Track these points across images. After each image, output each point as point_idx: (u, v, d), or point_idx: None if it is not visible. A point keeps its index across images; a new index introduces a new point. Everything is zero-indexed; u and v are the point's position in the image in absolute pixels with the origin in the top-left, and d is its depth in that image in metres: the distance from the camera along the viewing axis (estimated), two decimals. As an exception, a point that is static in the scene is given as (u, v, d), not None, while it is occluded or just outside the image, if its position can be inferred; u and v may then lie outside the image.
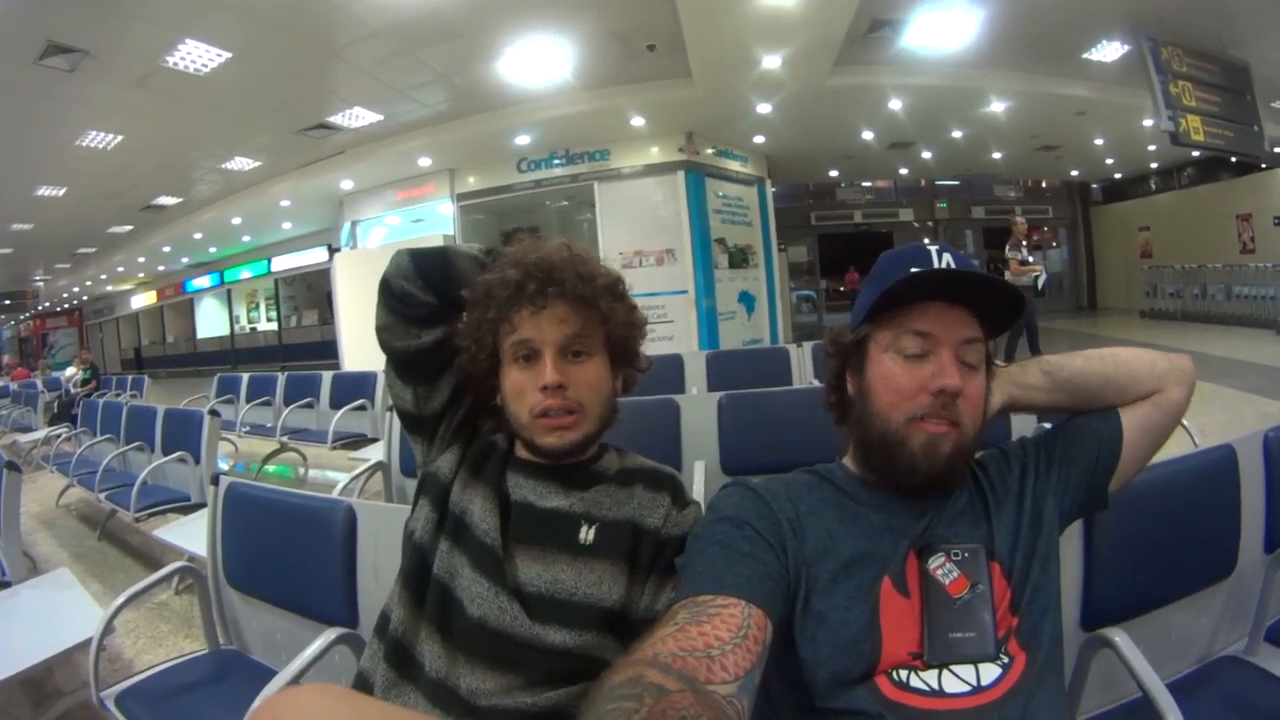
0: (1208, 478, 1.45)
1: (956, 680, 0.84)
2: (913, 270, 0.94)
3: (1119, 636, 1.17)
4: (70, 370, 10.32)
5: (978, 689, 0.84)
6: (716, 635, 0.71)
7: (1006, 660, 0.86)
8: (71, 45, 5.48)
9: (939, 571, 0.90)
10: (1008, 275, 7.56)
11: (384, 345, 1.11)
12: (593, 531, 1.02)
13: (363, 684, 1.04)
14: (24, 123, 6.90)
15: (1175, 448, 1.37)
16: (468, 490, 1.06)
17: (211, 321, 20.99)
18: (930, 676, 0.85)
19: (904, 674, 0.85)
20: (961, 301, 0.94)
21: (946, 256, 0.97)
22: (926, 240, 15.96)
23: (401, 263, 1.09)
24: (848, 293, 16.30)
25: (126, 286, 22.08)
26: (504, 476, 1.08)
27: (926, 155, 12.53)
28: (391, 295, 1.09)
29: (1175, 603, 1.40)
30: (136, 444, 4.37)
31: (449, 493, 1.07)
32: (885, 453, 0.95)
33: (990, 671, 0.85)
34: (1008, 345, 7.38)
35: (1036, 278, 7.66)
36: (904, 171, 14.94)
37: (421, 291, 1.07)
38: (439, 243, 9.75)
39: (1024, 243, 7.89)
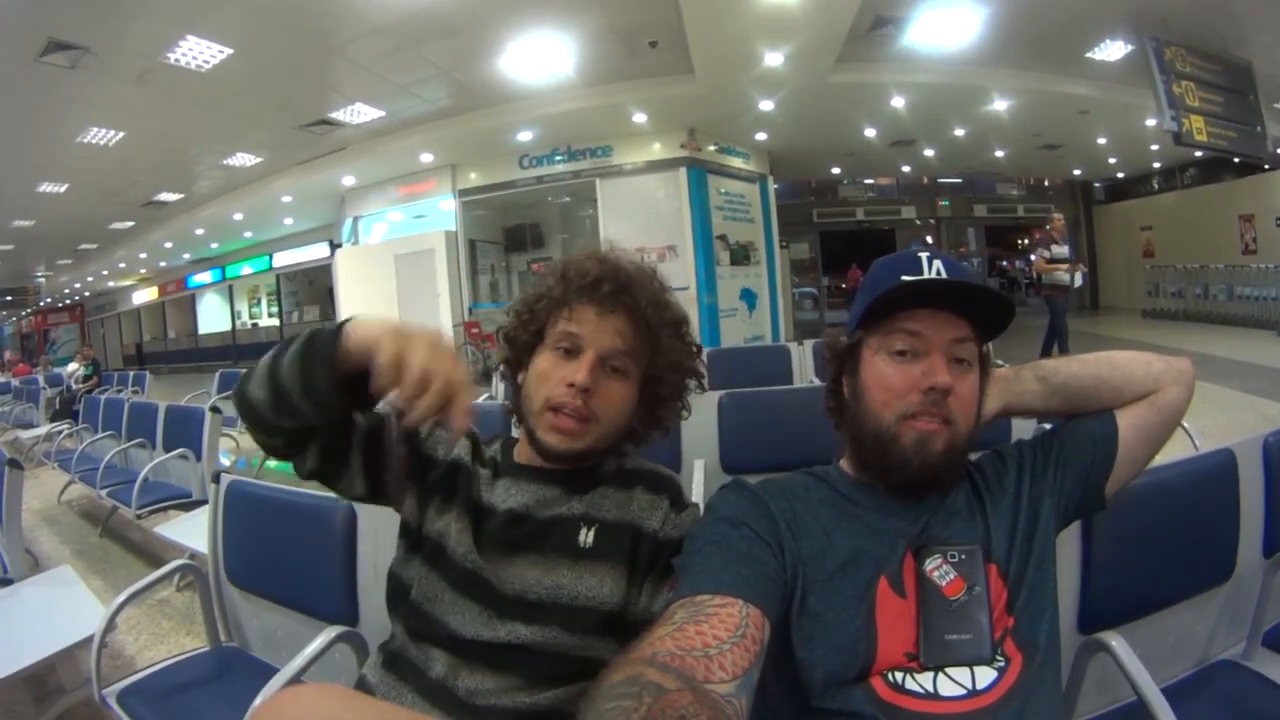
0: (1207, 481, 1.45)
1: (952, 684, 0.85)
2: (903, 279, 0.96)
3: (1115, 640, 1.16)
4: (72, 366, 10.31)
5: (973, 693, 0.84)
6: (714, 634, 0.71)
7: (1002, 663, 0.87)
8: (72, 42, 5.49)
9: (935, 573, 0.90)
10: (1044, 280, 7.58)
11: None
12: (592, 534, 1.02)
13: (362, 689, 1.04)
14: (25, 120, 6.92)
15: (1175, 450, 1.38)
16: (443, 515, 1.04)
17: (213, 317, 21.03)
18: (925, 679, 0.85)
19: (899, 676, 0.86)
20: (951, 308, 0.96)
21: (937, 264, 0.98)
22: (929, 238, 15.96)
23: (244, 409, 0.91)
24: (850, 290, 16.31)
25: (128, 282, 22.11)
26: (474, 489, 1.06)
27: (929, 153, 12.52)
28: (276, 449, 0.96)
29: (1173, 606, 1.39)
30: (138, 440, 4.38)
31: (421, 526, 1.05)
32: (877, 450, 0.96)
33: (986, 675, 0.85)
34: (1044, 346, 7.38)
35: (1073, 275, 7.43)
36: (906, 169, 14.94)
37: (274, 438, 0.94)
38: (439, 240, 9.64)
39: (1055, 242, 7.57)
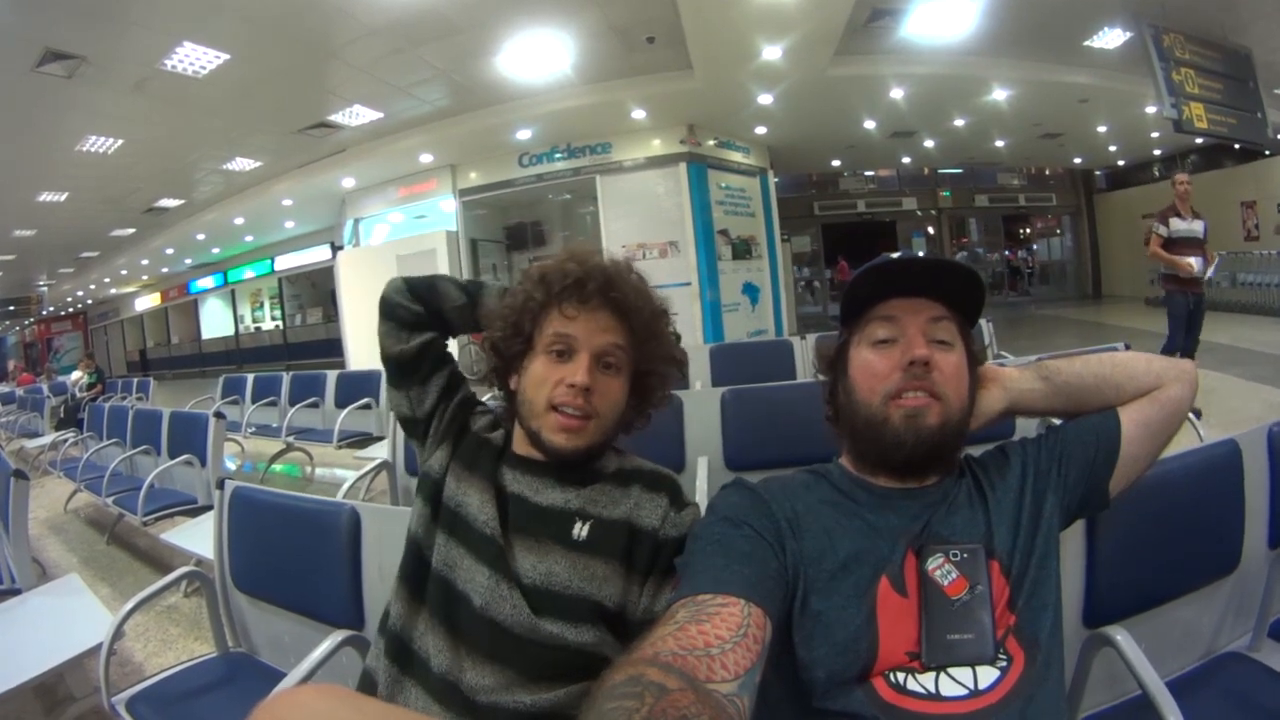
0: (1211, 473, 1.44)
1: (954, 684, 0.85)
2: (866, 267, 1.00)
3: (1120, 635, 1.17)
4: (76, 374, 10.35)
5: (975, 693, 0.84)
6: (716, 634, 0.72)
7: (1005, 661, 0.86)
8: (69, 52, 5.49)
9: (937, 573, 0.90)
10: (1163, 270, 5.32)
11: (382, 352, 1.21)
12: (587, 528, 1.04)
13: (368, 682, 1.06)
14: (24, 129, 6.92)
15: (1179, 441, 1.37)
16: (462, 484, 1.08)
17: (216, 322, 21.06)
18: (927, 679, 0.85)
19: (901, 676, 0.86)
20: (925, 293, 0.99)
21: (908, 257, 1.00)
22: (930, 229, 15.87)
23: (396, 283, 1.23)
24: (842, 281, 16.42)
25: (131, 289, 22.14)
26: (499, 470, 1.10)
27: (929, 144, 12.49)
28: (385, 303, 1.21)
29: (1178, 599, 1.39)
30: (143, 448, 4.39)
31: (442, 488, 1.10)
32: (871, 435, 0.98)
33: (988, 675, 0.85)
34: (1185, 341, 5.18)
35: (1205, 263, 5.12)
36: (906, 160, 14.92)
37: (409, 302, 1.20)
38: (440, 240, 9.76)
39: (1176, 214, 5.11)
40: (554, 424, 1.03)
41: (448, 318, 1.23)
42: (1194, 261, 4.99)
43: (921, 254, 1.14)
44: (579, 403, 1.02)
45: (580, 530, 1.03)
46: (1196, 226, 5.09)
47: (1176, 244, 5.03)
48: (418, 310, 1.20)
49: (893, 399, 0.96)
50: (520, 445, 1.12)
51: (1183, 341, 5.12)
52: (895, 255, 1.00)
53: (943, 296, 0.99)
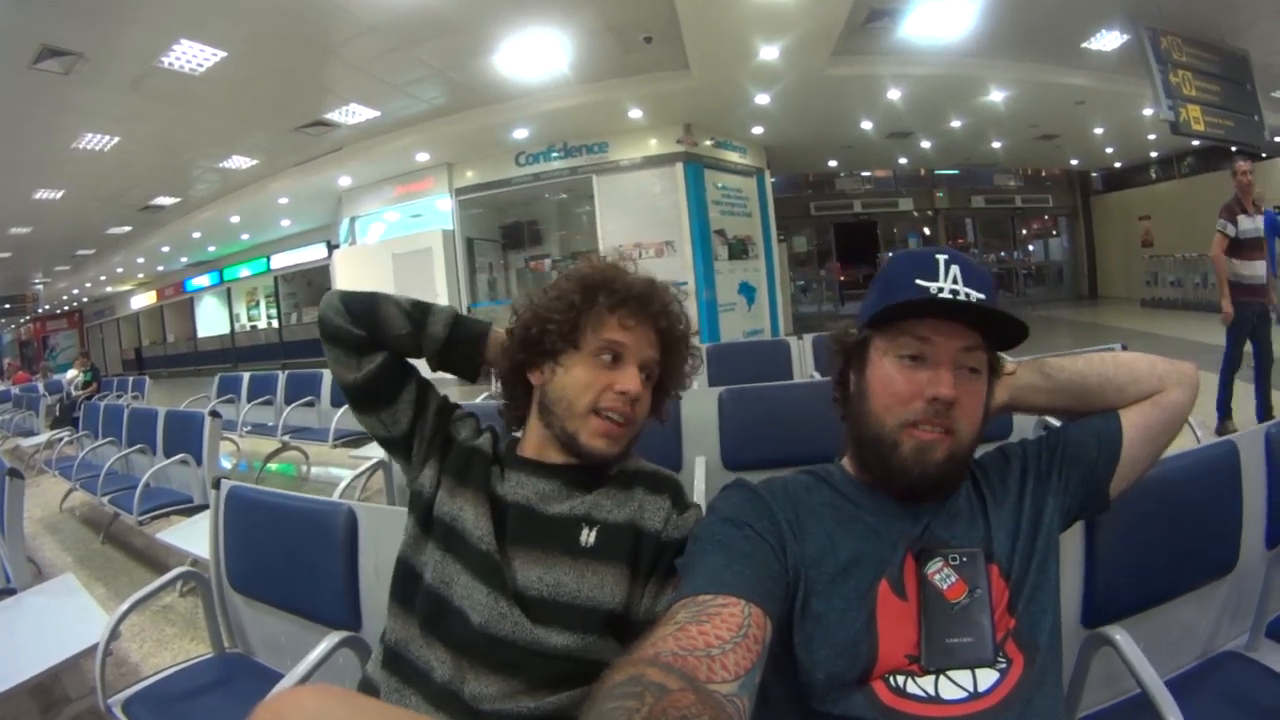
0: (1210, 473, 1.44)
1: (953, 686, 0.84)
2: (918, 284, 0.94)
3: (1119, 634, 1.17)
4: (71, 373, 10.31)
5: (975, 695, 0.84)
6: (717, 634, 0.71)
7: (1004, 664, 0.86)
8: (65, 49, 5.48)
9: (937, 576, 0.90)
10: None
11: (337, 380, 1.16)
12: (593, 534, 1.03)
13: (368, 688, 1.06)
14: (20, 127, 6.91)
15: (1177, 442, 1.37)
16: (455, 498, 1.06)
17: (212, 320, 21.02)
18: (927, 682, 0.85)
19: (901, 679, 0.85)
20: (964, 319, 0.94)
21: (954, 269, 0.95)
22: (926, 230, 15.82)
23: (332, 300, 1.13)
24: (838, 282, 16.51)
25: (126, 287, 22.11)
26: (490, 479, 1.08)
27: (925, 145, 12.54)
28: (325, 325, 1.12)
29: (1176, 599, 1.39)
30: (139, 446, 4.37)
31: (433, 504, 1.08)
32: (877, 454, 0.96)
33: (988, 677, 0.85)
34: (1256, 356, 4.66)
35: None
36: (903, 161, 14.96)
37: (350, 325, 1.10)
38: (436, 239, 9.78)
39: (1243, 211, 4.45)
40: (596, 428, 1.04)
41: (391, 346, 1.13)
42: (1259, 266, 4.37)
43: (968, 271, 1.05)
44: (627, 410, 1.05)
45: (587, 537, 1.03)
46: (1260, 223, 4.44)
47: (1244, 246, 4.43)
48: (360, 334, 1.11)
49: (908, 427, 0.93)
50: (531, 448, 1.11)
51: (1239, 356, 4.57)
52: (941, 260, 0.95)
53: (980, 323, 0.94)
